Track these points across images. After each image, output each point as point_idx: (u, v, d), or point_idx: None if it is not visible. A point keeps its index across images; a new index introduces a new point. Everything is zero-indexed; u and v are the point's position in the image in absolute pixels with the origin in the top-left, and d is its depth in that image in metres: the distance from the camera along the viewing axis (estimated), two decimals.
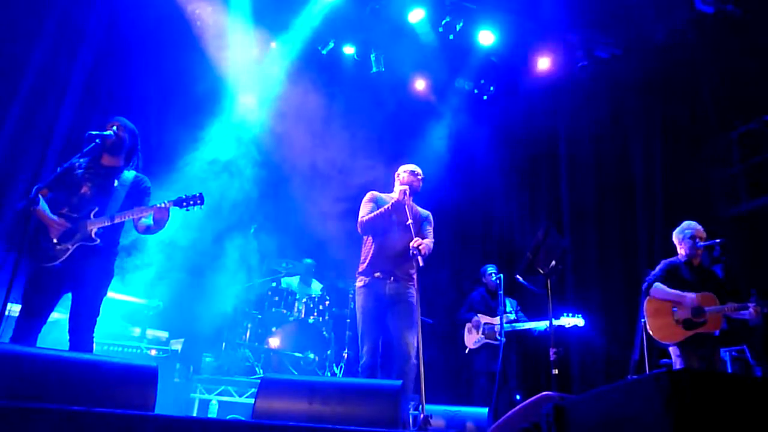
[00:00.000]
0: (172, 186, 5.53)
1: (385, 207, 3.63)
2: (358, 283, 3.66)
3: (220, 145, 6.31)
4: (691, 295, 3.93)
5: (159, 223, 3.26)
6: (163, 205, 3.20)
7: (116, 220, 3.16)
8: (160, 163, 5.48)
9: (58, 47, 5.42)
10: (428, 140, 7.51)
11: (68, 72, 5.45)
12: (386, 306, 3.56)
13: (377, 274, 3.58)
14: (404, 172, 3.82)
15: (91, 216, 3.14)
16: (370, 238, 3.70)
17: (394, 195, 3.71)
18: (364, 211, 3.71)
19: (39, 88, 5.25)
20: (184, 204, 3.27)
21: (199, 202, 3.29)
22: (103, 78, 5.75)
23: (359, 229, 3.72)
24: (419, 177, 3.81)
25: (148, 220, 3.28)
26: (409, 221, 3.51)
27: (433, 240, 3.73)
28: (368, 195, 3.83)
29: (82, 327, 3.08)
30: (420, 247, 3.38)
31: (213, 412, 4.89)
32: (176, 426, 1.85)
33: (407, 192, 3.63)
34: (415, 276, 3.51)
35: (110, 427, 1.76)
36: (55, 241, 3.06)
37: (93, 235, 3.11)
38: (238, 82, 6.64)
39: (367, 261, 3.65)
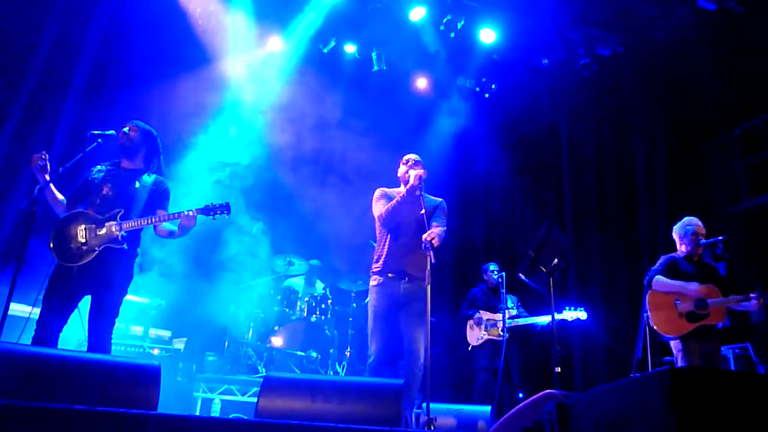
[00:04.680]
0: (172, 188, 5.54)
1: (401, 194, 3.53)
2: (372, 282, 3.58)
3: (223, 144, 6.32)
4: (694, 285, 3.91)
5: (184, 230, 3.30)
6: (190, 214, 3.23)
7: (143, 224, 3.18)
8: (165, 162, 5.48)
9: (61, 45, 5.42)
10: (430, 138, 7.50)
11: (71, 70, 5.45)
12: (399, 306, 3.49)
13: (390, 275, 3.51)
14: (409, 161, 3.72)
15: (117, 218, 3.15)
16: (387, 235, 3.62)
17: (410, 183, 3.57)
18: (380, 205, 3.64)
19: (41, 86, 5.25)
20: (211, 213, 3.33)
21: (226, 211, 3.34)
22: (106, 75, 5.75)
23: (380, 223, 3.64)
24: (423, 165, 3.73)
25: (172, 225, 3.30)
26: (422, 211, 3.43)
27: (445, 228, 3.63)
28: (378, 192, 3.77)
29: (102, 328, 3.10)
30: (432, 241, 3.29)
31: (216, 411, 4.89)
32: (179, 425, 1.85)
33: (422, 177, 3.54)
34: (428, 273, 3.34)
35: (113, 426, 1.75)
36: (82, 241, 3.07)
37: (119, 238, 3.13)
38: (239, 80, 6.65)
39: (382, 260, 3.58)
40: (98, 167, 3.30)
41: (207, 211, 3.31)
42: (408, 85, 7.50)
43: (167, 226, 3.32)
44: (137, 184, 3.28)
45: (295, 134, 6.63)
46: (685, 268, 4.10)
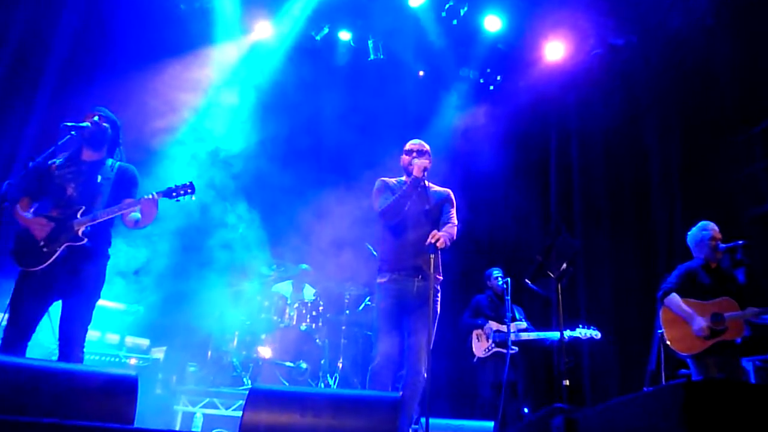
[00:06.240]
0: (154, 178, 5.53)
1: (403, 188, 3.50)
2: (380, 279, 3.53)
3: (207, 135, 6.31)
4: (700, 321, 3.92)
5: (147, 216, 3.29)
6: (150, 197, 3.22)
7: (101, 218, 3.18)
8: (143, 154, 5.48)
9: (33, 28, 5.40)
10: (430, 133, 7.50)
11: (44, 55, 5.44)
12: (410, 307, 3.45)
13: (403, 273, 3.47)
14: (413, 151, 3.67)
15: (78, 215, 3.16)
16: (389, 231, 3.58)
17: (414, 174, 3.53)
18: (382, 199, 3.59)
19: (11, 72, 5.23)
20: (174, 194, 3.31)
21: (190, 191, 3.33)
22: (82, 61, 5.73)
23: (382, 219, 3.60)
24: (428, 153, 3.69)
25: (136, 213, 3.29)
26: (427, 207, 3.40)
27: (455, 224, 3.61)
28: (378, 183, 3.72)
29: (72, 336, 3.10)
30: (437, 243, 3.25)
31: (197, 426, 4.88)
32: None
33: (426, 168, 3.51)
34: (432, 276, 3.29)
35: None
36: (41, 243, 3.08)
37: (80, 234, 3.12)
38: (226, 67, 6.65)
39: (391, 257, 3.53)
40: (57, 161, 3.28)
41: (170, 193, 3.30)
42: (406, 75, 7.51)
43: (133, 215, 3.32)
44: (99, 178, 3.28)
45: (285, 126, 6.63)
46: (702, 279, 4.12)
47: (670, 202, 6.29)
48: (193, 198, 3.34)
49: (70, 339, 3.09)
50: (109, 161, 3.38)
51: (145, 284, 5.41)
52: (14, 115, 5.23)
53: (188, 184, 3.33)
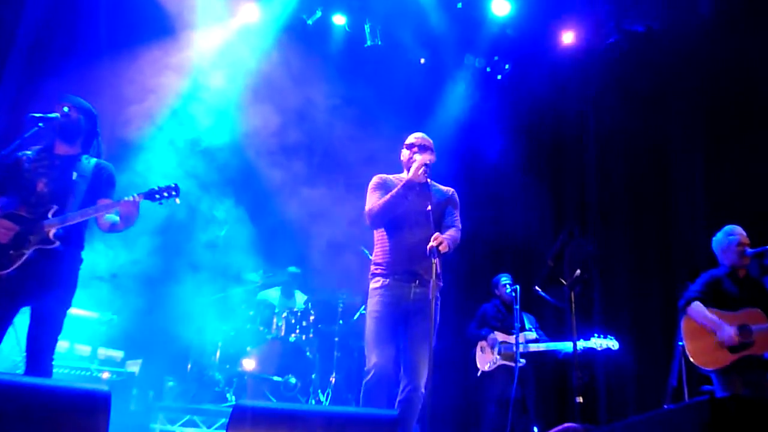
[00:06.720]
0: (131, 171, 5.54)
1: (396, 189, 3.48)
2: (374, 284, 3.52)
3: (187, 125, 6.31)
4: (729, 330, 3.94)
5: (126, 220, 3.30)
6: (131, 199, 3.23)
7: (74, 220, 3.17)
8: (119, 145, 5.48)
9: None
10: (432, 126, 7.52)
11: (8, 39, 5.43)
12: (406, 315, 3.45)
13: (398, 277, 3.46)
14: (414, 145, 3.66)
15: (49, 215, 3.15)
16: (384, 232, 3.59)
17: (410, 174, 3.52)
18: (374, 198, 3.58)
19: None
20: (157, 196, 3.32)
21: (174, 193, 3.35)
22: (51, 46, 5.73)
23: (368, 222, 3.60)
24: (432, 148, 3.68)
25: (113, 216, 3.30)
26: (429, 207, 3.40)
27: (459, 227, 3.62)
28: (374, 180, 3.70)
29: (41, 346, 3.10)
30: (440, 247, 3.22)
31: None
32: None
33: (428, 165, 3.49)
34: (433, 283, 3.25)
35: None
36: (6, 246, 3.08)
37: (51, 237, 3.12)
38: (208, 54, 6.65)
39: (386, 259, 3.53)
40: (27, 153, 3.29)
41: (152, 195, 3.31)
42: (406, 63, 7.52)
43: (109, 217, 3.32)
44: (74, 175, 3.28)
45: (273, 117, 6.63)
46: (729, 287, 4.14)
47: (694, 202, 6.31)
48: (177, 201, 3.36)
49: (39, 349, 3.08)
50: (85, 157, 3.38)
51: (119, 290, 5.41)
52: None
53: (172, 185, 3.35)
